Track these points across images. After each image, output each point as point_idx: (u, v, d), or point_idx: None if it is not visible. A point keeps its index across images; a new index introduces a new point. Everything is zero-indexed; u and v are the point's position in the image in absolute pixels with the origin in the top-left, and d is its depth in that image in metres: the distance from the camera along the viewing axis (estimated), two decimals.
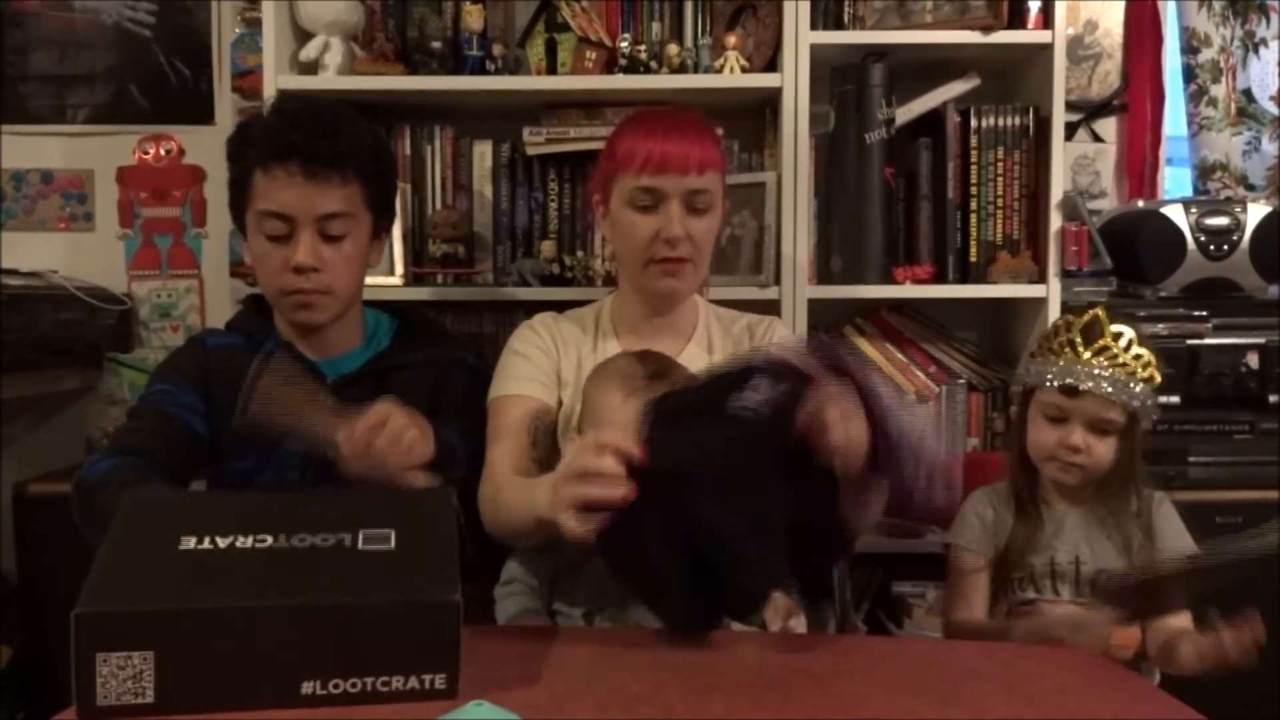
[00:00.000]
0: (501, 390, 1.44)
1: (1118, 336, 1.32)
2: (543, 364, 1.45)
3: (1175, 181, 2.40)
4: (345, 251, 1.40)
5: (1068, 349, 1.34)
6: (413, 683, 0.88)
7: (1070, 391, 1.32)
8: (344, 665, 0.88)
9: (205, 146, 2.31)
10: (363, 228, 1.43)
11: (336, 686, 0.88)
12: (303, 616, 0.88)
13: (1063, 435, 1.34)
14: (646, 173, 1.38)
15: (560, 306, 1.59)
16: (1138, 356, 1.32)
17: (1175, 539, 1.36)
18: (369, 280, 1.55)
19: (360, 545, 0.96)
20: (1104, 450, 1.33)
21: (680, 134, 1.40)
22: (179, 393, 1.42)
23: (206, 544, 0.94)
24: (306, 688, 0.87)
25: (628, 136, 1.42)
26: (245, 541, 0.95)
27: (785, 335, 1.55)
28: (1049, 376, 1.34)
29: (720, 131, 1.98)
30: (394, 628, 0.88)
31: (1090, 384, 1.31)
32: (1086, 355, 1.32)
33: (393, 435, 1.19)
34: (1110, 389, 1.30)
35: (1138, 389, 1.31)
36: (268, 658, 0.87)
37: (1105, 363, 1.31)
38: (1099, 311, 1.35)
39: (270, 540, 0.95)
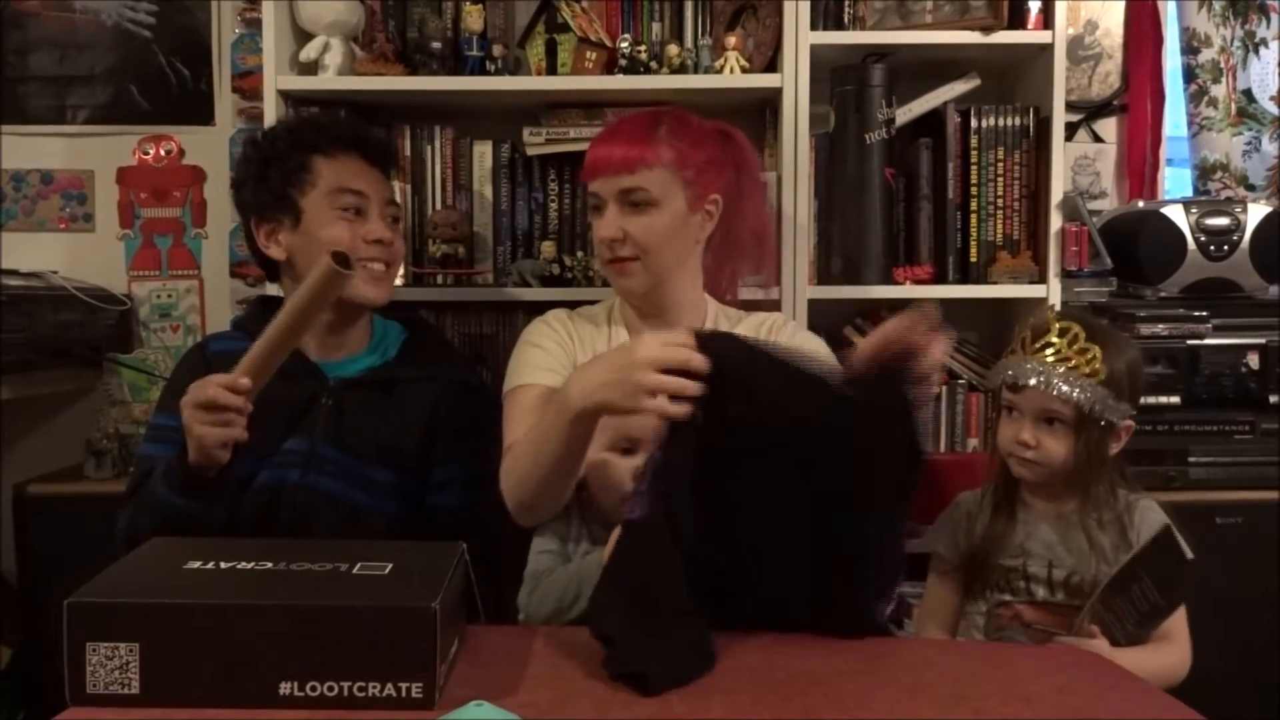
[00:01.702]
0: (516, 381, 1.45)
1: (1064, 332, 1.36)
2: (558, 354, 1.46)
3: (1175, 182, 2.40)
4: (398, 236, 1.55)
5: (1019, 347, 1.40)
6: (389, 690, 0.89)
7: (1014, 387, 1.38)
8: (321, 668, 0.89)
9: (205, 147, 2.31)
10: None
11: (314, 689, 0.89)
12: (281, 616, 0.90)
13: (1016, 430, 1.38)
14: (588, 179, 1.46)
15: (560, 307, 1.59)
16: (1082, 351, 1.35)
17: None
18: None
19: (355, 571, 0.98)
20: (1055, 445, 1.35)
21: (619, 137, 1.44)
22: (176, 425, 1.42)
23: (210, 566, 1.00)
24: (284, 689, 0.89)
25: (589, 147, 1.49)
26: (246, 565, 1.00)
27: (803, 335, 1.56)
28: (1001, 374, 1.41)
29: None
30: (370, 633, 0.89)
31: (1029, 378, 1.35)
32: (1030, 351, 1.37)
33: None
34: (1043, 381, 1.34)
35: (1077, 382, 1.33)
36: (247, 656, 0.89)
37: (1046, 357, 1.36)
38: (1050, 310, 1.42)
39: (270, 565, 1.00)
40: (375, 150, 1.52)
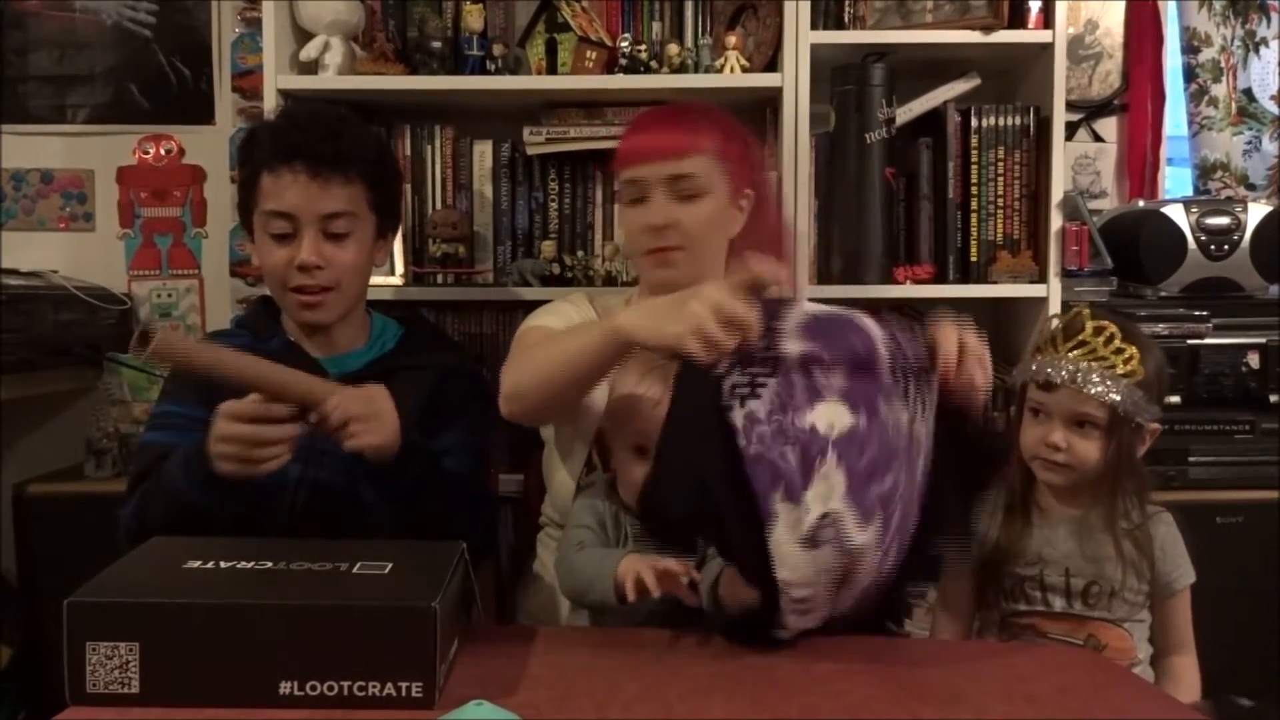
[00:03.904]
0: (534, 322, 1.47)
1: (1099, 331, 1.31)
2: (574, 317, 1.47)
3: (1176, 181, 2.40)
4: (349, 250, 1.42)
5: (1049, 345, 1.34)
6: (389, 690, 0.89)
7: (1046, 386, 1.32)
8: (321, 668, 0.89)
9: (205, 146, 2.31)
10: (366, 228, 1.45)
11: (314, 689, 0.89)
12: (281, 616, 0.90)
13: (1044, 432, 1.33)
14: (629, 165, 1.41)
15: None
16: (1119, 351, 1.29)
17: (1172, 563, 1.35)
18: (370, 280, 1.56)
19: (355, 570, 0.98)
20: (1086, 449, 1.31)
21: (662, 124, 1.42)
22: (184, 413, 1.42)
23: (210, 566, 1.00)
24: (284, 688, 0.89)
25: (623, 137, 1.46)
26: (246, 565, 1.00)
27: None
28: (1030, 372, 1.35)
29: None
30: (370, 633, 0.89)
31: (1063, 377, 1.30)
32: (1063, 350, 1.32)
33: (366, 415, 1.23)
34: (1080, 381, 1.29)
35: (1113, 382, 1.28)
36: (247, 656, 0.89)
37: (1080, 356, 1.30)
38: (1083, 308, 1.35)
39: (270, 564, 1.00)
40: (320, 159, 1.38)
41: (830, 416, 1.00)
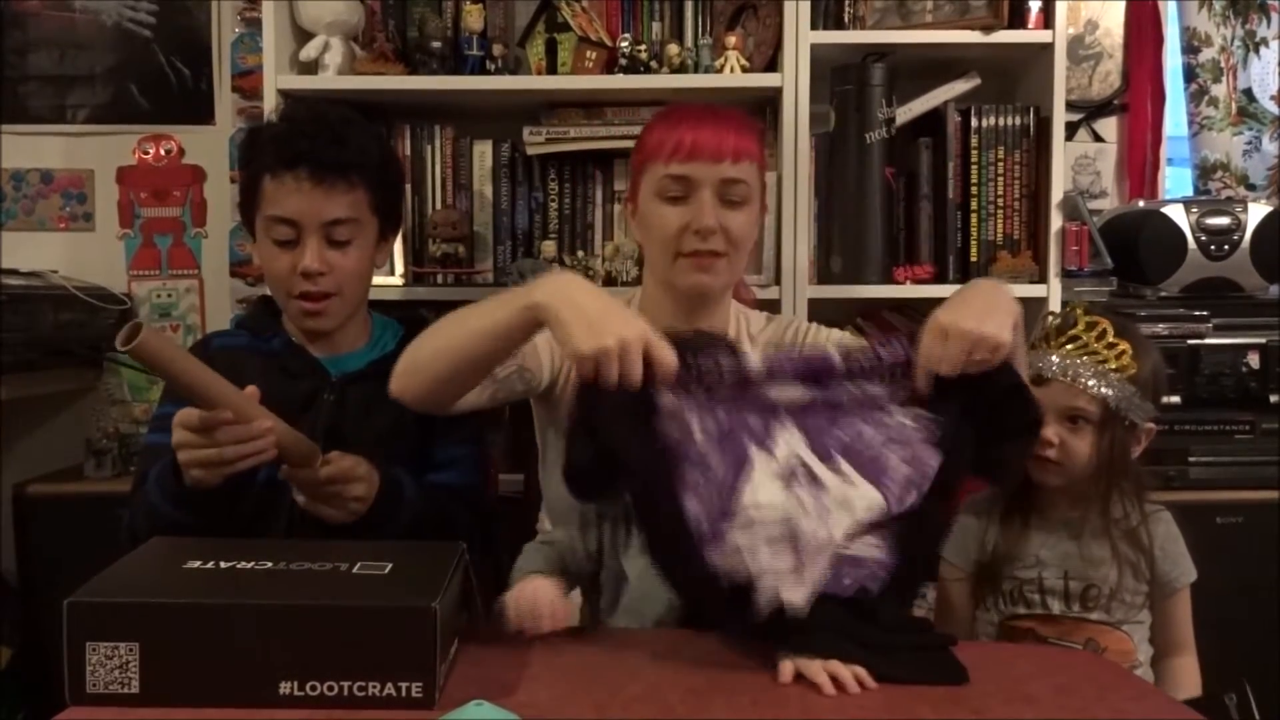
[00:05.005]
0: None
1: (1091, 326, 1.31)
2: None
3: (1176, 181, 2.40)
4: (351, 256, 1.42)
5: (1042, 342, 1.34)
6: (389, 690, 0.89)
7: (1038, 381, 1.31)
8: (321, 668, 0.89)
9: (205, 146, 2.32)
10: (368, 233, 1.45)
11: (314, 689, 0.89)
12: (280, 616, 0.90)
13: None
14: (677, 159, 1.32)
15: None
16: (1111, 346, 1.29)
17: (1172, 561, 1.34)
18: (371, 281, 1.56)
19: (354, 571, 0.98)
20: (1079, 445, 1.30)
21: (714, 122, 1.34)
22: None
23: (210, 566, 1.00)
24: (284, 688, 0.89)
25: (659, 127, 1.37)
26: (246, 565, 1.00)
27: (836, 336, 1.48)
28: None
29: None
30: (370, 633, 0.90)
31: (1054, 371, 1.30)
32: (1055, 345, 1.32)
33: (331, 490, 1.26)
34: (1072, 376, 1.29)
35: (1104, 377, 1.28)
36: (247, 656, 0.89)
37: (1072, 351, 1.30)
38: (1077, 304, 1.35)
39: (270, 565, 1.00)
40: (324, 165, 1.36)
41: (782, 392, 1.10)
